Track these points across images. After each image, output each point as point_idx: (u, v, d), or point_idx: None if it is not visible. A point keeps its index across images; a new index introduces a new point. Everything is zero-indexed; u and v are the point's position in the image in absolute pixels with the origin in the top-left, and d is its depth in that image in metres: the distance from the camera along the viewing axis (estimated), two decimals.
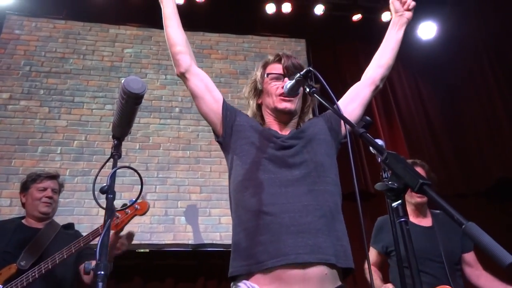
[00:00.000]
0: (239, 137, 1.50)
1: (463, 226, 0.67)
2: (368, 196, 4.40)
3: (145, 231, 3.82)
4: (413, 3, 1.72)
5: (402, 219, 0.82)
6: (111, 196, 1.09)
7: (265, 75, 1.60)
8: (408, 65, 5.22)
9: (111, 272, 0.95)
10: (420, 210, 2.48)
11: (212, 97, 1.55)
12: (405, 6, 1.71)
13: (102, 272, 0.93)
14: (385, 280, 2.45)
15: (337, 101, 1.54)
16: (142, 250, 3.74)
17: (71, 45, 4.64)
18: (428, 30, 4.95)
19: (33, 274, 2.07)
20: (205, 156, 4.30)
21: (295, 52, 5.03)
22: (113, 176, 1.12)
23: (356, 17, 5.15)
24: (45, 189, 2.43)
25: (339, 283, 1.32)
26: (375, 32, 5.25)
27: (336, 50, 5.32)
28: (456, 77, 4.85)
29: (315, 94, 1.30)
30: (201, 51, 4.81)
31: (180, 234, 3.88)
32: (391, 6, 1.74)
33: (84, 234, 2.27)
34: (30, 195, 2.42)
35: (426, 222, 2.47)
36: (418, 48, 5.02)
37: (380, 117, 4.85)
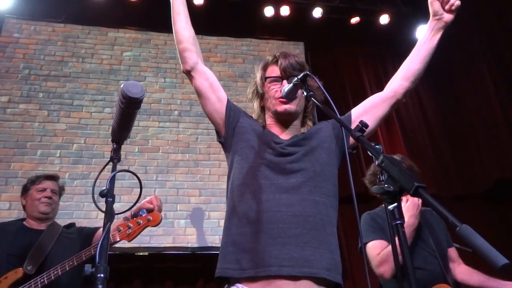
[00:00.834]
0: (240, 139, 1.49)
1: (457, 228, 0.68)
2: (367, 199, 4.40)
3: (144, 234, 3.78)
4: (457, 3, 1.46)
5: (398, 222, 0.83)
6: (111, 199, 1.10)
7: (264, 79, 1.58)
8: None
9: (110, 275, 0.96)
10: None
11: (216, 97, 1.54)
12: (447, 6, 1.47)
13: (102, 275, 0.93)
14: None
15: (352, 107, 1.53)
16: (141, 253, 3.74)
17: (70, 49, 4.65)
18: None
19: (41, 280, 2.05)
20: (204, 159, 4.30)
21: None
22: (112, 180, 1.12)
23: (354, 20, 5.18)
24: (44, 190, 2.44)
25: None
26: (373, 35, 5.30)
27: (335, 53, 5.34)
28: (454, 80, 4.87)
29: (312, 98, 1.30)
30: None
31: (179, 237, 3.88)
32: (430, 7, 1.49)
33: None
34: (30, 197, 2.43)
35: None
36: None
37: None
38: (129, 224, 2.18)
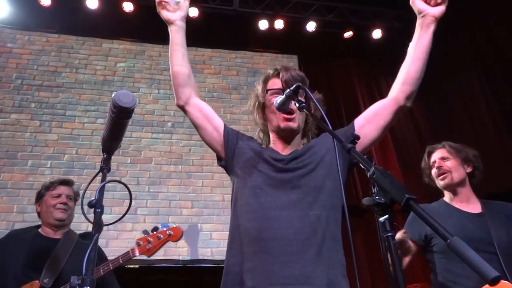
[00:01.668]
0: (241, 159, 1.51)
1: (448, 241, 0.68)
2: (360, 212, 4.40)
3: None
4: None
5: (389, 234, 0.83)
6: (99, 210, 1.08)
7: (266, 91, 1.59)
8: None
9: None
10: (459, 194, 2.21)
11: (212, 126, 1.55)
12: (433, 2, 1.39)
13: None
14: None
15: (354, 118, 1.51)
16: (132, 266, 3.68)
17: (64, 59, 4.65)
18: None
19: None
20: (197, 171, 4.28)
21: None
22: (101, 190, 1.11)
23: (348, 34, 5.25)
24: (59, 196, 2.38)
25: None
26: (366, 49, 5.37)
27: (328, 66, 5.39)
28: (445, 90, 4.92)
29: (304, 110, 1.30)
30: (194, 66, 4.84)
31: (170, 250, 3.83)
32: (413, 8, 1.43)
33: None
34: (45, 203, 2.36)
35: (474, 208, 2.15)
36: None
37: None
38: (149, 238, 2.15)
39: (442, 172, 2.23)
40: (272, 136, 1.60)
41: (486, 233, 1.97)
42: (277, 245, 1.29)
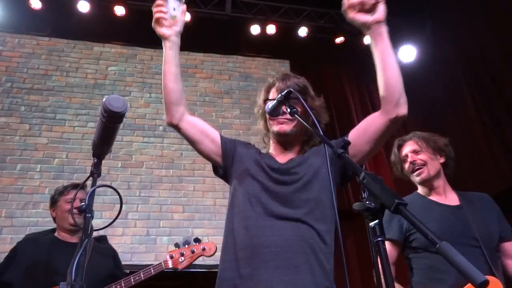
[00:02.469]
0: (239, 167, 1.52)
1: (437, 246, 0.69)
2: (352, 216, 4.42)
3: (126, 251, 3.74)
4: None
5: (379, 239, 0.83)
6: (89, 215, 1.07)
7: (264, 101, 1.62)
8: None
9: None
10: (435, 186, 2.14)
11: (210, 140, 1.55)
12: (366, 7, 1.33)
13: None
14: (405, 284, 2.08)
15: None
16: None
17: (55, 62, 4.61)
18: (408, 53, 5.11)
19: None
20: (188, 175, 4.27)
21: (279, 73, 5.10)
22: (91, 195, 1.10)
23: (339, 39, 5.29)
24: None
25: None
26: (357, 55, 5.41)
27: (320, 71, 5.42)
28: (436, 99, 4.97)
29: (296, 115, 1.31)
30: (186, 70, 4.84)
31: (161, 255, 3.80)
32: (355, 24, 1.36)
33: None
34: (59, 208, 2.34)
35: (451, 200, 2.10)
36: None
37: None
38: (182, 251, 2.13)
39: (417, 168, 2.15)
40: (271, 142, 1.64)
41: (467, 226, 1.93)
42: (269, 251, 1.31)
